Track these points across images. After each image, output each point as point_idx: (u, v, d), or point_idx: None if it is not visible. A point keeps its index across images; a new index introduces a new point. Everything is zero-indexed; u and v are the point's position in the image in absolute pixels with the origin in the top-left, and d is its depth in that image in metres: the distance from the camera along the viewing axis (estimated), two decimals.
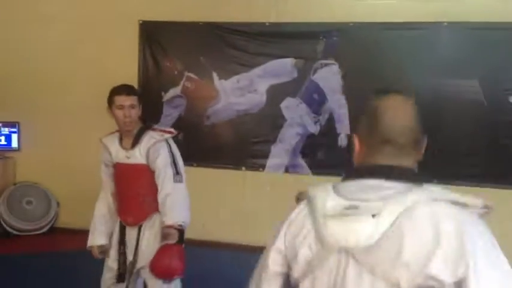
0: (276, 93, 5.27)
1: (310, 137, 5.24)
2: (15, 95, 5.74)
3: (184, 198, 2.81)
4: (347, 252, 1.14)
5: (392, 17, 4.96)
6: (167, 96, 5.52)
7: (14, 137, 5.85)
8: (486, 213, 1.21)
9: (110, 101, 2.85)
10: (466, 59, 4.83)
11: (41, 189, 5.77)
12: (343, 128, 5.15)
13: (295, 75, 5.22)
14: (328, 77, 5.16)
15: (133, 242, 2.91)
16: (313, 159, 5.25)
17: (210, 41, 5.37)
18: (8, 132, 5.82)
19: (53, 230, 5.71)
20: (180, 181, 2.78)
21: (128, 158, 2.85)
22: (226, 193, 5.30)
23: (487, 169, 4.83)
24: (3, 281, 4.14)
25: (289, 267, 1.27)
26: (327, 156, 5.22)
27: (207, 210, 4.91)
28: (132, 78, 5.49)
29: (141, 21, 5.52)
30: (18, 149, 5.88)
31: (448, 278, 1.06)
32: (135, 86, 5.45)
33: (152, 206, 2.85)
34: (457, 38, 4.88)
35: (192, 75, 5.46)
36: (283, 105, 5.27)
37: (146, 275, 2.89)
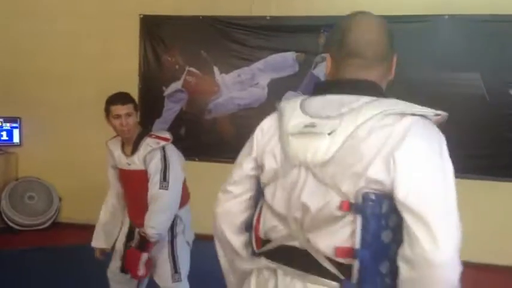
0: (278, 87, 5.26)
1: None
2: (16, 90, 5.74)
3: (164, 205, 2.78)
4: (306, 166, 1.25)
5: (393, 10, 4.93)
6: (168, 90, 5.52)
7: (16, 132, 5.85)
8: (441, 119, 1.31)
9: (107, 111, 2.84)
10: (467, 52, 4.82)
11: (43, 184, 5.78)
12: None
13: (297, 69, 5.21)
14: None
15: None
16: None
17: (210, 35, 5.36)
18: (9, 128, 5.83)
19: (55, 225, 5.72)
20: (166, 188, 2.75)
21: (129, 164, 2.87)
22: None
23: (490, 162, 4.84)
24: (6, 275, 4.15)
25: (259, 171, 1.39)
26: None
27: (209, 204, 4.90)
28: (133, 72, 5.50)
29: (141, 16, 5.51)
30: (20, 144, 5.88)
31: (385, 177, 1.16)
32: (136, 80, 5.50)
33: None
34: (458, 30, 4.85)
35: (193, 69, 5.45)
36: (284, 98, 5.26)
37: (154, 274, 2.95)
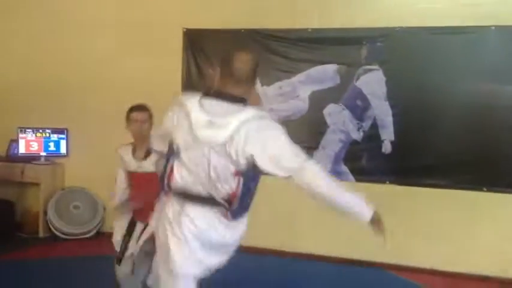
0: (319, 100, 5.24)
1: (353, 143, 5.18)
2: (63, 102, 5.91)
3: None
4: (210, 146, 2.09)
5: (439, 21, 4.86)
6: None
7: (63, 143, 6.02)
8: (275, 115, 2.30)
9: (127, 118, 3.35)
10: None
11: (88, 194, 5.91)
12: (387, 134, 5.07)
13: (338, 81, 5.18)
14: (372, 82, 5.10)
15: (138, 234, 3.27)
16: (356, 166, 5.18)
17: (252, 48, 5.38)
18: (57, 139, 6.00)
19: (100, 235, 5.83)
20: None
21: (140, 167, 3.28)
22: (268, 199, 5.27)
23: None
24: (50, 283, 4.25)
25: (171, 138, 2.25)
26: (370, 163, 5.15)
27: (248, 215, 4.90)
28: (176, 85, 5.58)
29: (185, 29, 5.60)
30: (67, 155, 6.04)
31: (259, 154, 2.08)
32: (179, 92, 5.57)
33: None
34: (505, 42, 4.74)
35: None
36: (325, 111, 5.23)
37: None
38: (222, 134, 2.06)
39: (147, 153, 3.28)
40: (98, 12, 5.90)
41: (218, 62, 2.22)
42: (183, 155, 2.17)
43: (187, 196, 2.19)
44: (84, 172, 5.91)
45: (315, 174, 2.13)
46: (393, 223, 4.98)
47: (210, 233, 2.19)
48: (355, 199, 2.21)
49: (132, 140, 3.41)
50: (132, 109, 3.36)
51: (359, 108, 5.15)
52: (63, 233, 5.70)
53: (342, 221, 4.85)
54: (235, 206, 2.13)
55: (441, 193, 4.92)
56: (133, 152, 3.35)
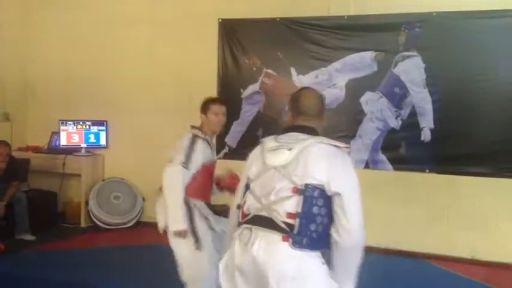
0: (356, 88, 5.18)
1: (391, 131, 5.10)
2: (102, 95, 6.02)
3: None
4: (275, 168, 2.14)
5: (477, 5, 4.72)
6: (246, 92, 5.58)
7: (103, 134, 6.13)
8: (349, 151, 2.18)
9: (206, 107, 3.31)
10: None
11: (127, 185, 6.02)
12: (426, 122, 4.97)
13: (375, 68, 5.10)
14: (410, 69, 5.01)
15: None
16: (394, 155, 5.11)
17: (287, 37, 5.35)
18: (97, 131, 6.11)
19: (139, 224, 5.94)
20: None
21: (214, 157, 3.33)
22: None
23: None
24: (93, 272, 4.35)
25: (247, 177, 2.28)
26: (409, 151, 5.06)
27: None
28: (212, 75, 5.61)
29: (220, 20, 5.60)
30: (106, 146, 6.16)
31: (323, 178, 2.04)
32: (215, 83, 5.59)
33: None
34: None
35: (270, 71, 5.48)
36: (363, 99, 5.16)
37: None
38: (286, 157, 2.13)
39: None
40: (134, 5, 5.96)
41: (288, 104, 2.34)
42: (252, 184, 2.23)
43: (254, 222, 2.16)
44: (123, 163, 6.02)
45: (356, 247, 2.06)
46: (433, 212, 4.95)
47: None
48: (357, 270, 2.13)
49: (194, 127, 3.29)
50: (215, 101, 3.39)
51: (397, 95, 5.07)
52: (104, 223, 5.81)
53: (384, 211, 4.84)
54: (296, 231, 2.04)
55: (483, 181, 4.81)
56: (207, 142, 3.30)
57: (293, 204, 2.05)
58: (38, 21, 6.36)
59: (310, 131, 2.22)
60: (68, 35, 6.22)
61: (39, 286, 4.06)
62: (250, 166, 2.29)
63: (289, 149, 2.14)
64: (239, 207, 2.29)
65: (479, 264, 4.80)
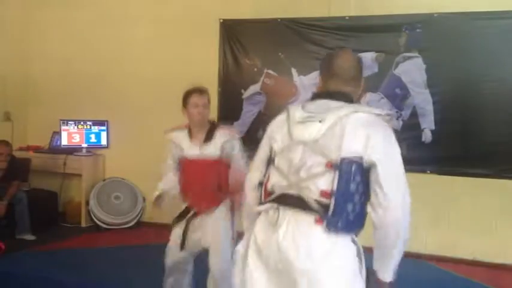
0: None
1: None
2: (103, 95, 6.02)
3: None
4: (304, 143, 1.89)
5: (478, 6, 4.72)
6: (247, 93, 5.57)
7: (103, 134, 6.13)
8: (390, 119, 2.02)
9: (185, 101, 3.14)
10: None
11: (128, 185, 6.01)
12: (427, 123, 4.97)
13: (376, 69, 5.10)
14: (411, 70, 5.00)
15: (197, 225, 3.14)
16: None
17: (288, 37, 5.35)
18: (97, 130, 6.12)
19: (140, 224, 5.93)
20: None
21: (202, 153, 3.07)
22: None
23: None
24: (94, 271, 4.35)
25: (270, 148, 2.03)
26: (410, 153, 5.03)
27: None
28: (212, 76, 5.60)
29: (221, 20, 5.60)
30: (107, 146, 6.16)
31: (360, 148, 1.80)
32: (216, 83, 5.59)
33: (220, 194, 3.14)
34: None
35: (271, 71, 5.48)
36: (363, 100, 5.16)
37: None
38: (317, 130, 1.85)
39: (208, 137, 3.08)
40: (137, 5, 5.97)
41: (319, 67, 2.05)
42: (277, 159, 1.98)
43: (280, 201, 1.94)
44: (124, 163, 6.02)
45: (394, 228, 1.84)
46: (434, 214, 4.94)
47: None
48: (398, 257, 1.94)
49: (181, 124, 3.23)
50: (191, 93, 3.12)
51: (398, 96, 5.06)
52: (105, 223, 5.81)
53: None
54: (330, 213, 1.81)
55: (484, 182, 4.80)
56: (191, 137, 3.12)
57: (328, 181, 1.81)
58: (40, 20, 6.37)
59: (345, 98, 1.93)
60: (70, 34, 6.22)
61: (39, 286, 4.06)
62: (274, 137, 2.02)
63: (321, 121, 1.85)
64: (261, 184, 2.04)
65: (480, 265, 4.79)
